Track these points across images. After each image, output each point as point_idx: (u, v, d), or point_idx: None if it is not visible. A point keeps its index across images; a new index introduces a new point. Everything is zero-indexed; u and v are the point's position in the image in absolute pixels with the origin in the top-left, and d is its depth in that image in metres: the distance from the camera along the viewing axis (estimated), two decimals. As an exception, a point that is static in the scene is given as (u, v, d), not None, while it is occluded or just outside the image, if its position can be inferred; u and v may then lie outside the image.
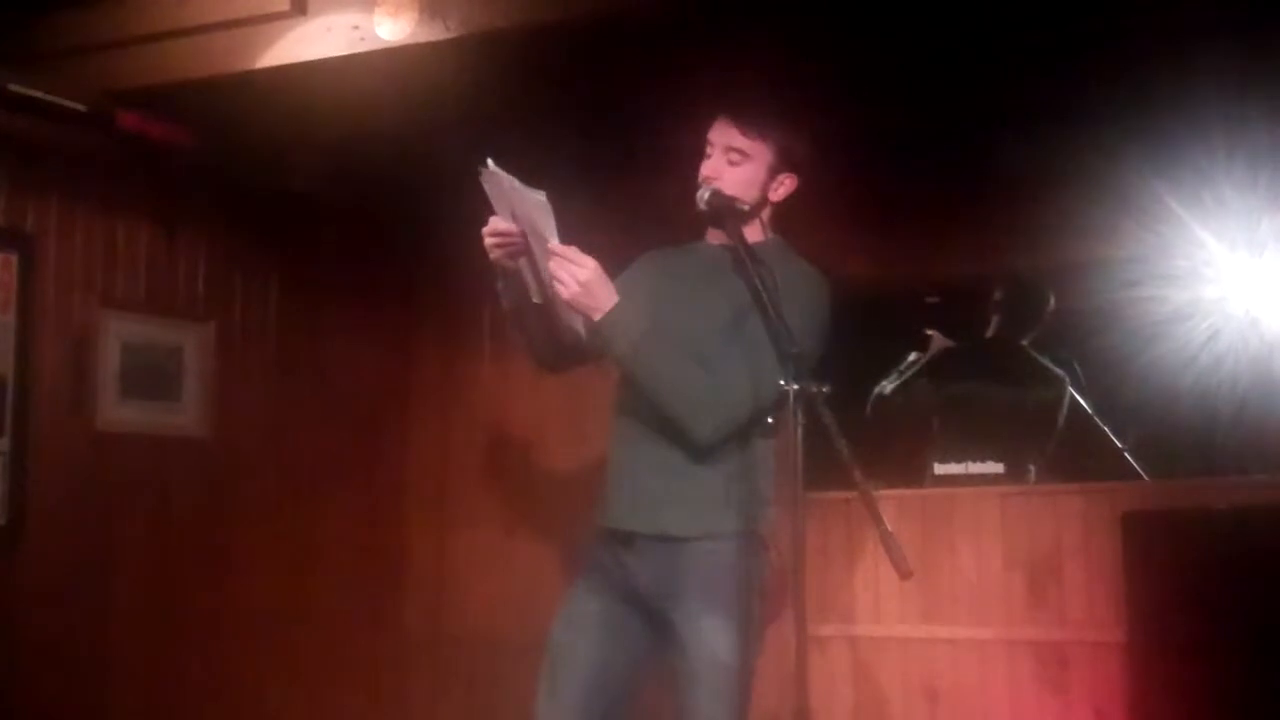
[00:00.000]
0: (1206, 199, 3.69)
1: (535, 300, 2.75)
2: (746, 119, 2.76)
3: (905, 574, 2.26)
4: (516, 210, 2.61)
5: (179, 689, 3.99)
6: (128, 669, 3.85)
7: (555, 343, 2.83)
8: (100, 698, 3.77)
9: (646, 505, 2.71)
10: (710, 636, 2.60)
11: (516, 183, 2.54)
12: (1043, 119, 3.74)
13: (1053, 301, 4.51)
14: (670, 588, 2.67)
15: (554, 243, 2.57)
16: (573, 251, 2.57)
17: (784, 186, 2.80)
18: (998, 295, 4.51)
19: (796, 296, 2.62)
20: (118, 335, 3.92)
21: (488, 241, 2.68)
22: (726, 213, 2.72)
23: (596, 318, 2.59)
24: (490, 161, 2.55)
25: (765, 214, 2.82)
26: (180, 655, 4.01)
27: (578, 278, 2.55)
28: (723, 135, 2.77)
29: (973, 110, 3.83)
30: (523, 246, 2.66)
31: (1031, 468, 4.22)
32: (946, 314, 4.64)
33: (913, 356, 4.58)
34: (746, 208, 2.76)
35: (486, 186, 2.62)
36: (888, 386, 4.53)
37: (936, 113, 3.88)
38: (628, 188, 4.19)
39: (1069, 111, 3.74)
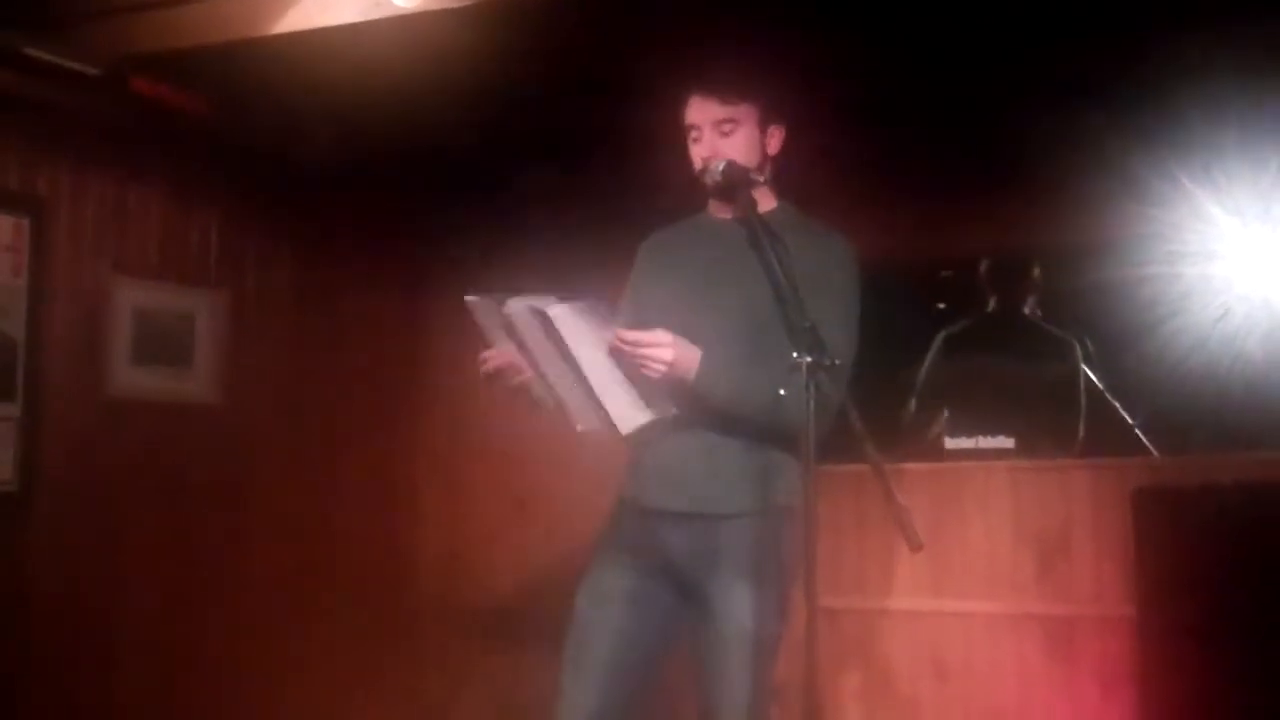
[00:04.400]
0: (1219, 176, 3.69)
1: (549, 408, 2.66)
2: (722, 88, 2.71)
3: (916, 547, 2.27)
4: (516, 330, 2.50)
5: (188, 656, 4.01)
6: (136, 634, 3.87)
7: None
8: (109, 663, 3.79)
9: (683, 483, 2.68)
10: (745, 609, 2.59)
11: (518, 304, 2.43)
12: (1056, 96, 3.72)
13: (1037, 270, 4.48)
14: (707, 562, 2.65)
15: (618, 335, 2.44)
16: (646, 336, 2.46)
17: (775, 137, 2.76)
18: (983, 269, 4.50)
19: (830, 283, 2.60)
20: (130, 301, 3.92)
21: (483, 371, 2.65)
22: (742, 185, 2.67)
23: (692, 380, 2.52)
24: (469, 296, 2.50)
25: (768, 172, 2.77)
26: (189, 621, 4.02)
27: (663, 359, 2.46)
28: (704, 112, 2.71)
29: (987, 86, 3.81)
30: (525, 363, 2.60)
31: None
32: (960, 288, 4.62)
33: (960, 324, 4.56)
34: (761, 179, 2.73)
35: (476, 316, 2.55)
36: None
37: (951, 88, 3.86)
38: (645, 159, 4.17)
39: (1081, 88, 3.72)
